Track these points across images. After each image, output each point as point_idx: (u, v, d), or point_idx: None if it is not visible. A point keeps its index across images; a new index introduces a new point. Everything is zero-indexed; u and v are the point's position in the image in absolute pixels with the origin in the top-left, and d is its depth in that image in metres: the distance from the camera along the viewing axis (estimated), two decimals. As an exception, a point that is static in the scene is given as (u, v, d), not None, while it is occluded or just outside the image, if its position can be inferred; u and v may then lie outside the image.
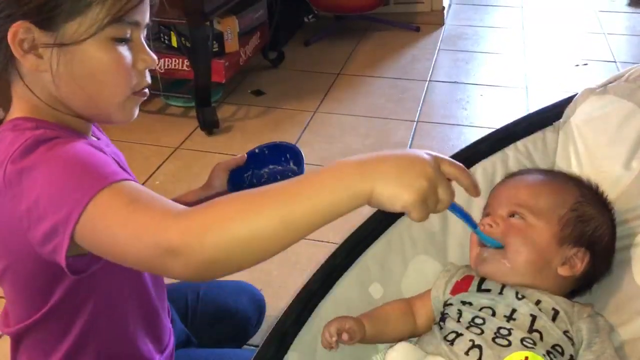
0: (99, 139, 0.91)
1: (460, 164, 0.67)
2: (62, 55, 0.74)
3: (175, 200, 1.00)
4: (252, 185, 1.06)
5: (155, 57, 0.82)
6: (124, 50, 0.77)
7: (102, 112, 0.81)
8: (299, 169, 1.04)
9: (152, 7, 0.81)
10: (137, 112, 0.84)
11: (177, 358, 1.04)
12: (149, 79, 0.83)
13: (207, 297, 1.26)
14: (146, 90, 0.83)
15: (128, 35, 0.77)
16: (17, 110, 0.79)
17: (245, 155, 1.07)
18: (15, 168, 0.71)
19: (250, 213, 0.61)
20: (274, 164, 1.07)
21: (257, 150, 1.07)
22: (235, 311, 1.28)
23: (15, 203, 0.70)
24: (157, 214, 0.64)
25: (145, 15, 0.79)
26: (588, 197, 0.92)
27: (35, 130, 0.75)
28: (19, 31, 0.72)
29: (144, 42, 0.80)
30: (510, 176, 0.99)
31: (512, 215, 0.90)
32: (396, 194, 0.60)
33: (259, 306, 1.34)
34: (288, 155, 1.06)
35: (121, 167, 0.75)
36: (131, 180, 0.70)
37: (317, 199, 0.61)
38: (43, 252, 0.71)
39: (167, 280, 1.17)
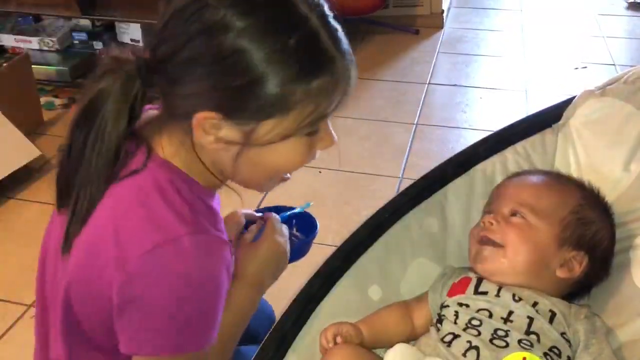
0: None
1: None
2: (246, 148, 0.72)
3: None
4: None
5: (335, 136, 0.78)
6: (310, 142, 0.75)
7: (254, 186, 0.81)
8: (306, 237, 1.04)
9: None
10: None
11: None
12: (316, 155, 0.79)
13: None
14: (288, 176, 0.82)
15: (318, 127, 0.74)
16: (168, 151, 0.75)
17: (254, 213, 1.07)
18: (141, 270, 0.70)
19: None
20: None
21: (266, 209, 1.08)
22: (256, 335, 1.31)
23: (123, 289, 0.70)
24: None
25: None
26: (589, 200, 0.92)
27: (178, 225, 0.70)
28: (206, 121, 0.69)
29: (329, 125, 0.77)
30: (513, 175, 0.99)
31: (513, 214, 0.90)
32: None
33: (271, 322, 1.35)
34: (294, 221, 1.07)
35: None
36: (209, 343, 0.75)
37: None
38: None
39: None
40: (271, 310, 1.36)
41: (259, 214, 1.03)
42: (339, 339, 0.84)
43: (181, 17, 0.68)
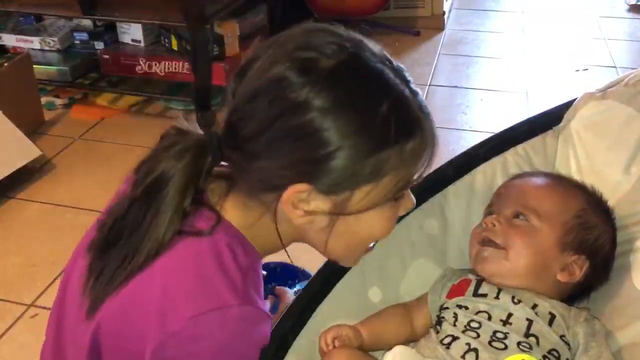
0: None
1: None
2: (335, 218, 0.70)
3: None
4: None
5: (414, 200, 0.77)
6: (396, 209, 0.74)
7: (344, 258, 0.80)
8: None
9: None
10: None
11: None
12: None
13: None
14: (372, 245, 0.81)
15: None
16: (231, 215, 0.74)
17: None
18: (183, 333, 0.68)
19: None
20: (281, 283, 1.08)
21: (271, 265, 1.09)
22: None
23: (159, 348, 0.68)
24: None
25: None
26: (592, 204, 0.92)
27: (228, 294, 0.69)
28: (298, 194, 0.68)
29: (409, 189, 0.75)
30: (516, 177, 0.99)
31: (516, 216, 0.90)
32: None
33: None
34: (296, 281, 1.09)
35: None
36: None
37: None
38: None
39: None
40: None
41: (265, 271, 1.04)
42: (337, 342, 0.84)
43: (264, 95, 0.67)
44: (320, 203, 0.69)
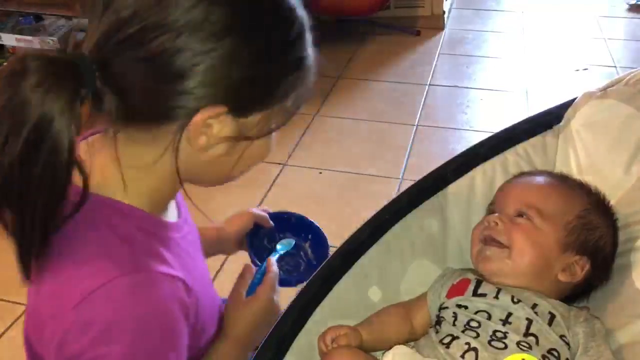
0: (179, 211, 0.82)
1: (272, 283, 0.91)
2: (234, 144, 0.68)
3: None
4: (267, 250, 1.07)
5: None
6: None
7: (222, 183, 0.76)
8: (314, 258, 1.06)
9: None
10: None
11: None
12: None
13: None
14: None
15: None
16: (102, 179, 0.67)
17: (267, 215, 1.08)
18: (74, 325, 0.64)
19: None
20: (294, 234, 1.09)
21: (285, 216, 1.09)
22: None
23: (62, 348, 0.64)
24: None
25: None
26: (595, 205, 0.92)
27: (123, 265, 0.65)
28: (211, 117, 0.64)
29: None
30: (519, 176, 0.99)
31: (519, 215, 0.90)
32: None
33: None
34: (310, 236, 1.08)
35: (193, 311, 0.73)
36: None
37: None
38: None
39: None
40: None
41: (269, 216, 1.05)
42: (336, 343, 0.83)
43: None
44: (228, 127, 0.65)
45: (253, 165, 0.74)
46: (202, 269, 0.85)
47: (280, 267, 0.99)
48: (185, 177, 0.70)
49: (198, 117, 0.63)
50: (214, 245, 1.05)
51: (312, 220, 1.09)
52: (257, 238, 1.07)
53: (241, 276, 0.93)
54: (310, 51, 0.70)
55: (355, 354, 0.84)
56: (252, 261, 1.03)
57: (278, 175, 2.23)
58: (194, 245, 0.82)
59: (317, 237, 1.07)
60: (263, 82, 0.65)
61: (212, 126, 0.65)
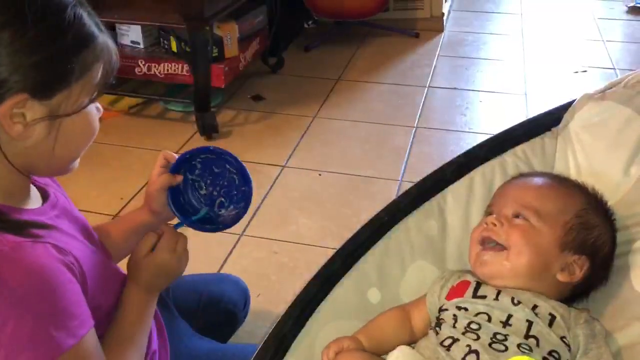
0: (45, 195, 0.86)
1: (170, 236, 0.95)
2: (50, 124, 0.74)
3: (113, 227, 1.05)
4: (193, 198, 1.02)
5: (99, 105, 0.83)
6: (93, 110, 0.79)
7: (64, 167, 0.82)
8: (246, 185, 1.00)
9: None
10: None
11: (179, 354, 1.04)
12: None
13: (191, 287, 1.27)
14: None
15: None
16: None
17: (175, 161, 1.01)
18: None
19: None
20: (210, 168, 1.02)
21: (187, 156, 1.01)
22: (221, 296, 1.31)
23: None
24: None
25: None
26: (593, 205, 0.92)
27: None
28: (14, 106, 0.70)
29: None
30: (517, 177, 0.99)
31: (516, 216, 0.90)
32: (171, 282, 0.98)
33: (243, 290, 1.37)
34: (227, 165, 1.01)
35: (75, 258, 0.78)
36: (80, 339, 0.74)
37: (144, 321, 0.94)
38: None
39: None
40: (243, 282, 1.39)
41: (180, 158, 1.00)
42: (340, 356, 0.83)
43: None
44: (38, 111, 0.72)
45: (83, 144, 0.80)
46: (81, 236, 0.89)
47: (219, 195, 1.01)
48: (24, 167, 0.77)
49: (2, 109, 0.70)
50: (135, 234, 1.03)
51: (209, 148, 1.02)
52: (178, 191, 1.01)
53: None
54: (96, 29, 0.76)
55: (364, 356, 0.84)
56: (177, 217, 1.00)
57: (277, 176, 2.23)
58: (74, 224, 0.89)
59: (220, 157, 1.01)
60: (50, 64, 0.71)
61: (24, 114, 0.71)
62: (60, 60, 0.71)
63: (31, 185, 0.84)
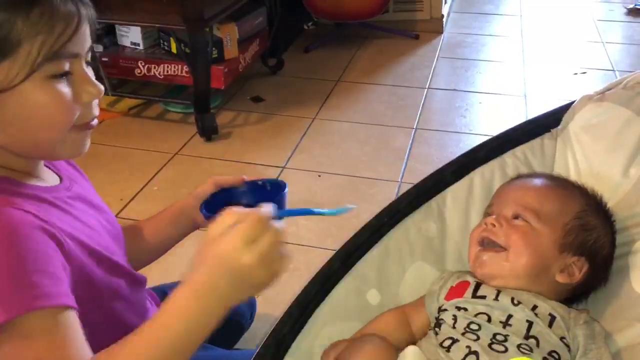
0: (61, 179, 0.85)
1: (258, 219, 0.68)
2: None
3: (149, 222, 1.01)
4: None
5: (101, 86, 0.77)
6: (63, 86, 0.72)
7: (43, 151, 0.77)
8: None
9: (91, 30, 0.75)
10: (87, 145, 0.79)
11: None
12: (96, 111, 0.78)
13: None
14: (94, 122, 0.78)
15: (67, 69, 0.72)
16: None
17: (242, 179, 0.99)
18: None
19: None
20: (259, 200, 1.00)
21: (259, 182, 0.98)
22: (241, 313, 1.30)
23: None
24: None
25: (84, 44, 0.74)
26: (592, 206, 0.92)
27: None
28: None
29: (87, 72, 0.76)
30: (516, 178, 0.99)
31: (516, 217, 0.90)
32: (246, 299, 0.72)
33: (250, 302, 1.36)
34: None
35: (73, 236, 0.74)
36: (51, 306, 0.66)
37: (183, 339, 0.68)
38: None
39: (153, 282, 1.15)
40: (253, 299, 1.35)
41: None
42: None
43: None
44: None
45: (46, 121, 0.73)
46: (101, 226, 0.86)
47: None
48: (6, 148, 0.73)
49: None
50: (179, 218, 1.02)
51: (286, 184, 0.97)
52: (213, 203, 0.96)
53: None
54: (32, 3, 0.68)
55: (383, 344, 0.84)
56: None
57: (277, 177, 2.23)
58: (87, 206, 0.85)
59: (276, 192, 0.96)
60: None
61: None
62: None
63: (47, 169, 0.82)
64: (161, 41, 2.65)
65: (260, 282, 0.67)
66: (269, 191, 0.97)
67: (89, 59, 0.76)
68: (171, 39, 2.55)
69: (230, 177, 0.99)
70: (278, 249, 0.68)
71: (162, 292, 1.07)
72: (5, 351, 0.65)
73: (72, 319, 0.68)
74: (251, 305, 1.36)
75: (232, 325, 1.29)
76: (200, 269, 0.67)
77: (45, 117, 0.72)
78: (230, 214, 0.68)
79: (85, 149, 0.79)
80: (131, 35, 2.67)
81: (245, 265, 0.65)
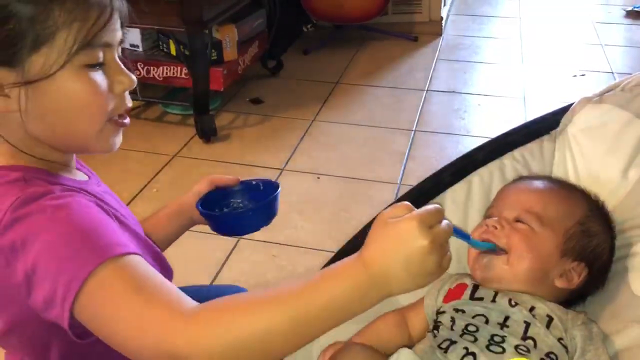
0: (89, 177, 0.85)
1: (436, 208, 0.66)
2: (31, 92, 0.69)
3: (149, 219, 1.00)
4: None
5: (134, 77, 0.77)
6: (98, 75, 0.72)
7: (79, 143, 0.77)
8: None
9: (122, 23, 0.76)
10: (118, 142, 0.79)
11: None
12: (129, 102, 0.78)
13: (195, 298, 1.25)
14: (126, 120, 0.79)
15: (101, 59, 0.72)
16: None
17: (238, 179, 1.02)
18: (7, 237, 0.66)
19: (263, 321, 0.62)
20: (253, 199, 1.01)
21: (253, 182, 1.01)
22: None
23: (12, 271, 0.66)
24: (165, 312, 0.62)
25: (116, 34, 0.75)
26: (595, 212, 0.92)
27: (24, 184, 0.69)
28: None
29: (120, 63, 0.76)
30: (518, 180, 0.99)
31: (519, 220, 0.90)
32: (413, 288, 0.65)
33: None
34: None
35: (119, 219, 0.75)
36: (133, 253, 0.66)
37: (332, 309, 0.62)
38: (46, 317, 0.67)
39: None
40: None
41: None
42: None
43: None
44: (8, 77, 0.68)
45: (82, 111, 0.73)
46: (132, 219, 0.87)
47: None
48: (44, 140, 0.74)
49: None
50: (178, 215, 1.03)
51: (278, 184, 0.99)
52: (208, 200, 1.00)
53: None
54: None
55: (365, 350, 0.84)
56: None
57: (276, 179, 2.23)
58: (117, 202, 0.85)
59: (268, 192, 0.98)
60: (7, 30, 0.67)
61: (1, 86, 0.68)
62: (20, 25, 0.67)
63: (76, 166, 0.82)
64: (160, 43, 2.66)
65: (429, 270, 0.64)
66: (262, 191, 1.00)
67: (119, 51, 0.77)
68: (170, 40, 2.55)
69: (226, 177, 1.02)
70: (448, 242, 0.66)
71: None
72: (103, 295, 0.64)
73: (137, 260, 0.68)
74: None
75: None
76: (373, 246, 0.64)
77: (81, 106, 0.72)
78: (404, 205, 0.67)
79: (116, 146, 0.79)
80: (130, 37, 2.67)
81: (419, 247, 0.63)
